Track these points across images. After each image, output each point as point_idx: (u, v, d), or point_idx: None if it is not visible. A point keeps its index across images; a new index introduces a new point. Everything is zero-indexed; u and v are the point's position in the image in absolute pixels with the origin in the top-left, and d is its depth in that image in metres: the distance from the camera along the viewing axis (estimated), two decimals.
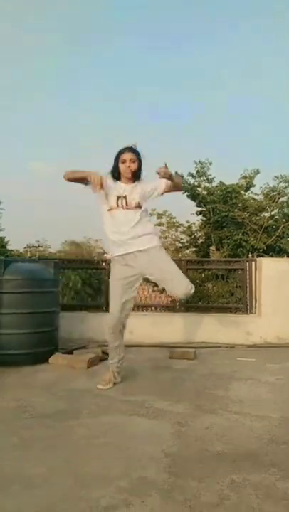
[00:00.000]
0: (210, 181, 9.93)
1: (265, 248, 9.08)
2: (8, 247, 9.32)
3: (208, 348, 4.24)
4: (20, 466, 1.75)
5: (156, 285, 4.68)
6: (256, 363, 3.63)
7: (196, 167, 9.96)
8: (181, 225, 10.94)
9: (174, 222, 11.19)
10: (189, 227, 10.72)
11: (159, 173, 2.69)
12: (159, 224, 10.64)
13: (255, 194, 9.96)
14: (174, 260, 3.08)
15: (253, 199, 9.87)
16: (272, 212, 9.72)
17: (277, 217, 9.69)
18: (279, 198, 9.55)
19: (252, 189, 10.00)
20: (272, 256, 8.76)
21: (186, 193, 9.66)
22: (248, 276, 4.97)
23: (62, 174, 2.84)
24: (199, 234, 10.53)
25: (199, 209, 9.88)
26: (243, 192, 9.77)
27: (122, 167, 2.81)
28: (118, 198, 2.80)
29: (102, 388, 2.83)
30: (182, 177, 3.24)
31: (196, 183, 9.98)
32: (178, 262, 4.00)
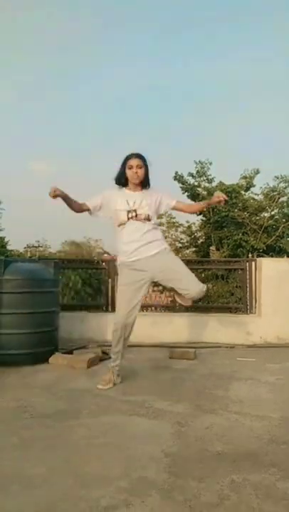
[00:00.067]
0: (210, 181, 9.94)
1: (265, 248, 9.08)
2: (8, 247, 9.34)
3: (208, 348, 4.24)
4: (20, 466, 1.75)
5: (156, 285, 4.69)
6: (256, 363, 3.63)
7: (196, 167, 9.98)
8: (181, 225, 10.95)
9: (174, 222, 11.20)
10: (189, 227, 10.72)
11: (214, 200, 2.86)
12: (159, 224, 10.64)
13: (255, 194, 9.97)
14: None
15: (253, 199, 9.88)
16: (272, 212, 9.73)
17: (277, 217, 9.70)
18: (279, 198, 9.55)
19: (252, 189, 10.01)
20: (272, 256, 8.77)
21: (186, 193, 9.67)
22: (248, 276, 4.97)
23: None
24: (199, 234, 10.54)
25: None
26: (243, 192, 9.77)
27: (128, 173, 2.82)
28: (128, 212, 2.81)
29: (102, 388, 2.83)
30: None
31: (196, 183, 9.98)
32: None
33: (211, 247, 9.62)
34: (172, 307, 5.11)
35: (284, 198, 9.63)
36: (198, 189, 9.87)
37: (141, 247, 2.82)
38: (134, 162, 2.81)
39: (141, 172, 2.81)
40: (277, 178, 9.56)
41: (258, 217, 9.53)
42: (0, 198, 9.46)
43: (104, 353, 3.83)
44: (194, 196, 9.69)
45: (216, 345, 4.37)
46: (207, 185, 9.93)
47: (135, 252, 2.82)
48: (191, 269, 3.22)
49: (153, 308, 5.18)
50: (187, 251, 10.86)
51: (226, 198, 2.89)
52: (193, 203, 2.71)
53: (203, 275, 5.46)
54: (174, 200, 2.99)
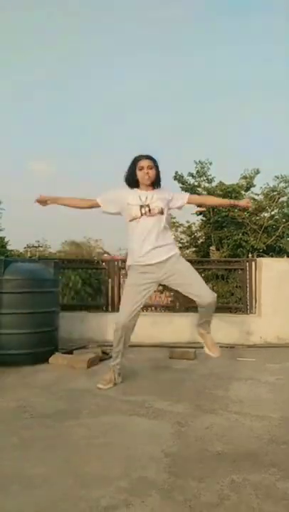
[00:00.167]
0: (210, 181, 9.93)
1: (265, 248, 9.08)
2: (8, 247, 9.32)
3: None
4: (20, 466, 1.75)
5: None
6: (256, 363, 3.63)
7: (196, 167, 9.97)
8: (181, 225, 10.94)
9: (174, 222, 11.19)
10: (189, 227, 10.72)
11: (239, 205, 3.00)
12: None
13: (256, 194, 9.97)
14: None
15: (253, 199, 9.88)
16: (272, 212, 9.72)
17: (277, 217, 9.70)
18: (279, 198, 9.55)
19: (252, 189, 10.01)
20: (272, 256, 8.76)
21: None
22: (248, 276, 4.97)
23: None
24: (199, 234, 10.53)
25: (199, 208, 9.88)
26: (243, 192, 9.77)
27: (139, 174, 2.83)
28: (141, 207, 2.81)
29: (102, 388, 2.83)
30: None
31: (196, 183, 9.98)
32: None
33: (211, 247, 9.61)
34: (172, 307, 5.11)
35: (284, 198, 9.62)
36: (198, 189, 9.86)
37: (153, 249, 2.80)
38: (144, 163, 2.82)
39: (152, 173, 2.82)
40: (278, 178, 9.55)
41: (258, 217, 9.52)
42: (0, 198, 9.44)
43: (104, 353, 3.83)
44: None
45: None
46: (207, 185, 9.91)
47: (148, 255, 2.81)
48: None
49: (153, 308, 5.18)
50: (187, 251, 10.85)
51: (251, 205, 2.98)
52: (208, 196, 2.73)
53: (203, 275, 5.46)
54: (185, 195, 3.01)
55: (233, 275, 5.27)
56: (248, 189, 9.96)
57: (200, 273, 5.39)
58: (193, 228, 10.65)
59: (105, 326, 4.56)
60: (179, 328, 4.63)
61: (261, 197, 9.84)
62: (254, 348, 4.38)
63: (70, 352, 3.82)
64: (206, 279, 5.52)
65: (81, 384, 2.97)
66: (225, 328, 4.60)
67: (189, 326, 4.64)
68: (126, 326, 2.85)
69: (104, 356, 3.75)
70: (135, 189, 2.89)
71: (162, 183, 2.97)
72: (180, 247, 10.91)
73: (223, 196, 9.26)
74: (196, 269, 3.04)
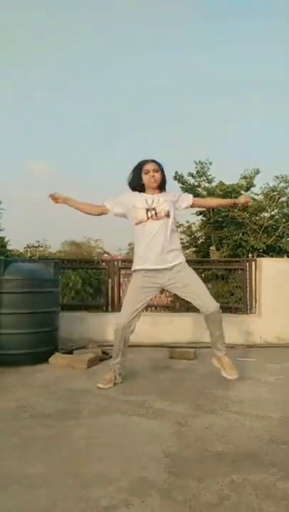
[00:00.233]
0: (210, 181, 9.94)
1: (265, 248, 9.08)
2: (8, 247, 9.33)
3: (208, 348, 4.23)
4: (20, 466, 1.75)
5: None
6: (256, 363, 3.63)
7: (196, 167, 9.98)
8: (181, 225, 10.94)
9: None
10: (189, 227, 10.72)
11: (239, 202, 3.06)
12: None
13: (256, 194, 9.97)
14: None
15: (253, 199, 9.88)
16: (272, 212, 9.72)
17: (277, 217, 9.70)
18: (279, 198, 9.55)
19: (252, 189, 10.01)
20: (272, 256, 8.76)
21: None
22: (248, 276, 4.97)
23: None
24: (199, 234, 10.53)
25: (199, 209, 9.89)
26: (243, 192, 9.77)
27: (145, 178, 2.84)
28: (147, 210, 2.82)
29: (102, 387, 2.83)
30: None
31: (196, 183, 9.98)
32: None
33: (211, 247, 9.62)
34: (172, 307, 5.10)
35: (284, 198, 9.62)
36: (198, 189, 9.87)
37: (159, 254, 2.81)
38: (150, 167, 2.84)
39: (158, 176, 2.84)
40: (278, 178, 9.56)
41: (258, 217, 9.52)
42: (0, 198, 9.45)
43: (104, 353, 3.83)
44: (194, 196, 9.69)
45: None
46: (207, 185, 9.93)
47: (154, 260, 2.81)
48: None
49: (153, 308, 5.18)
50: (187, 251, 10.86)
51: (250, 200, 3.02)
52: (209, 198, 2.76)
53: (203, 275, 5.47)
54: (190, 197, 3.03)
55: (233, 275, 5.27)
56: (248, 189, 9.96)
57: (200, 273, 5.41)
58: (193, 228, 10.66)
59: (105, 326, 4.56)
60: (179, 328, 4.63)
61: (261, 197, 9.85)
62: (254, 348, 4.38)
63: (70, 352, 3.82)
64: (206, 279, 5.53)
65: (81, 384, 2.97)
66: (225, 328, 4.60)
67: (189, 326, 4.65)
68: (126, 327, 2.86)
69: (104, 356, 3.75)
70: (142, 194, 2.90)
71: (166, 186, 2.99)
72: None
73: (224, 196, 9.27)
74: (196, 269, 3.05)
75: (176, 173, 10.17)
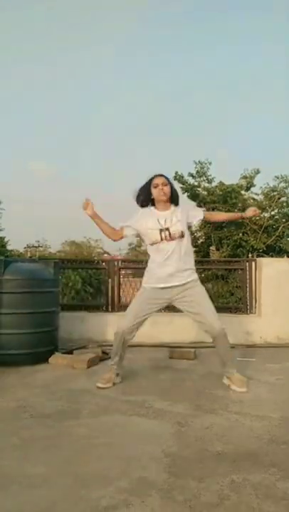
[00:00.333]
0: (210, 181, 9.93)
1: (265, 248, 9.07)
2: (8, 247, 9.31)
3: (208, 348, 4.23)
4: (20, 466, 1.75)
5: None
6: (256, 363, 3.63)
7: (196, 167, 9.96)
8: None
9: None
10: (189, 227, 10.70)
11: (247, 216, 3.09)
12: None
13: (256, 194, 9.96)
14: None
15: (253, 199, 9.87)
16: (272, 213, 9.72)
17: (277, 217, 9.69)
18: (279, 198, 9.55)
19: (252, 189, 10.00)
20: (272, 256, 8.75)
21: (186, 194, 9.66)
22: (248, 276, 4.97)
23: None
24: (199, 234, 10.52)
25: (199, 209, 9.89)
26: (243, 192, 9.77)
27: (155, 192, 2.85)
28: (161, 231, 2.82)
29: (101, 387, 2.83)
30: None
31: (196, 183, 9.97)
32: None
33: (211, 247, 9.60)
34: (172, 307, 5.10)
35: (284, 198, 9.61)
36: (198, 189, 9.86)
37: (172, 274, 2.82)
38: (159, 180, 2.84)
39: (167, 189, 2.84)
40: (278, 178, 9.54)
41: (257, 218, 9.51)
42: (0, 198, 9.44)
43: (104, 353, 3.83)
44: (194, 196, 9.68)
45: None
46: (207, 185, 9.91)
47: (166, 279, 2.83)
48: None
49: None
50: None
51: (259, 212, 3.03)
52: (219, 212, 2.73)
53: (203, 275, 5.47)
54: (201, 211, 3.02)
55: (233, 275, 5.27)
56: (248, 189, 9.95)
57: (200, 273, 5.41)
58: (193, 228, 10.64)
59: (105, 326, 4.56)
60: (179, 328, 4.63)
61: (261, 197, 9.84)
62: (254, 348, 4.38)
63: (70, 352, 3.82)
64: (206, 279, 5.52)
65: (81, 384, 2.97)
66: (225, 328, 4.60)
67: (189, 326, 4.64)
68: (127, 332, 2.88)
69: (104, 356, 3.75)
70: (152, 209, 2.91)
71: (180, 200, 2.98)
72: None
73: (224, 196, 9.26)
74: (196, 269, 3.04)
75: (176, 173, 10.15)
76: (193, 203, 9.77)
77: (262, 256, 8.08)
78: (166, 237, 2.82)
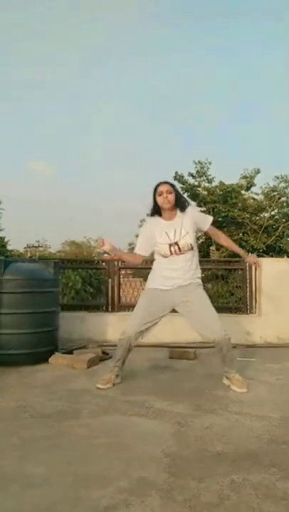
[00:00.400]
0: (210, 181, 9.93)
1: (265, 248, 9.07)
2: (8, 247, 9.32)
3: (208, 348, 4.23)
4: (20, 466, 1.75)
5: None
6: (256, 363, 3.63)
7: (196, 167, 9.97)
8: None
9: None
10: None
11: (250, 259, 3.08)
12: None
13: (256, 194, 9.97)
14: None
15: (253, 199, 9.88)
16: (273, 213, 9.72)
17: (277, 217, 9.69)
18: (279, 198, 9.54)
19: (252, 189, 10.00)
20: (272, 256, 8.76)
21: (187, 194, 9.66)
22: (248, 276, 4.97)
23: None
24: (199, 234, 10.53)
25: (199, 209, 9.88)
26: (243, 192, 9.77)
27: (159, 200, 2.85)
28: (170, 245, 2.83)
29: (101, 388, 2.83)
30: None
31: (196, 183, 9.98)
32: None
33: (211, 247, 9.61)
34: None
35: (284, 198, 9.62)
36: (198, 189, 9.87)
37: (177, 276, 2.84)
38: (163, 188, 2.84)
39: (171, 197, 2.83)
40: (278, 178, 9.56)
41: (257, 217, 9.52)
42: (0, 198, 9.44)
43: (104, 353, 3.83)
44: (194, 196, 9.69)
45: None
46: (207, 185, 9.92)
47: (171, 283, 2.85)
48: None
49: None
50: None
51: (260, 265, 3.10)
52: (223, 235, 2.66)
53: (203, 275, 5.47)
54: (207, 224, 2.96)
55: (233, 275, 5.27)
56: (248, 189, 9.96)
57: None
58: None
59: (105, 326, 4.56)
60: (179, 328, 4.62)
61: (261, 197, 9.84)
62: (254, 348, 4.38)
63: (70, 352, 3.82)
64: (206, 279, 5.52)
65: (81, 384, 2.97)
66: (225, 329, 4.60)
67: (189, 326, 4.64)
68: (132, 338, 2.87)
69: (105, 356, 3.75)
70: (159, 220, 2.90)
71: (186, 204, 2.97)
72: None
73: (224, 196, 9.27)
74: None
75: (176, 173, 10.17)
76: (194, 203, 9.81)
77: (262, 256, 8.09)
78: (175, 251, 2.83)
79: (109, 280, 5.00)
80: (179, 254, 2.84)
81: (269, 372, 3.32)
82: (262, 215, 9.63)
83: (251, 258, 3.17)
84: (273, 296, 4.70)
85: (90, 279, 6.18)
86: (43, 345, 3.58)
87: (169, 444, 1.96)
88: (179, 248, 2.83)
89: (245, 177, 9.97)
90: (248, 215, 9.28)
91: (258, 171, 9.94)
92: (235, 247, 3.13)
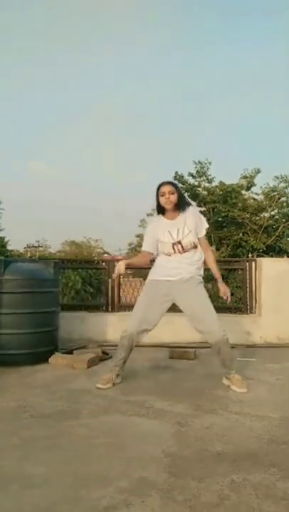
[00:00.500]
0: (210, 181, 9.93)
1: (265, 248, 9.08)
2: (8, 247, 9.31)
3: (208, 348, 4.23)
4: (20, 466, 1.75)
5: None
6: (256, 363, 3.63)
7: (196, 167, 9.97)
8: None
9: None
10: None
11: (221, 290, 3.02)
12: None
13: (256, 194, 9.97)
14: None
15: (253, 199, 9.88)
16: (272, 213, 9.72)
17: (277, 217, 9.69)
18: (279, 198, 9.54)
19: (252, 189, 10.00)
20: (272, 256, 8.76)
21: (187, 194, 9.66)
22: (248, 276, 4.97)
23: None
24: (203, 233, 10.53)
25: (199, 209, 9.90)
26: (244, 191, 9.77)
27: (162, 200, 2.87)
28: (173, 245, 2.85)
29: (101, 388, 2.83)
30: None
31: (196, 183, 9.98)
32: None
33: (211, 247, 9.63)
34: (172, 307, 5.10)
35: (284, 198, 9.62)
36: (198, 189, 9.87)
37: (180, 274, 2.85)
38: (165, 189, 2.86)
39: (173, 197, 2.85)
40: (277, 178, 9.56)
41: (257, 217, 9.52)
42: (0, 198, 9.44)
43: (104, 353, 3.83)
44: (194, 196, 9.69)
45: None
46: (207, 185, 9.92)
47: (173, 274, 2.86)
48: None
49: None
50: None
51: (229, 300, 3.03)
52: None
53: (203, 275, 5.46)
54: (203, 231, 2.97)
55: (233, 275, 5.27)
56: (248, 189, 9.96)
57: None
58: None
59: (105, 326, 4.56)
60: (179, 328, 4.63)
61: (261, 197, 9.84)
62: (254, 348, 4.38)
63: (70, 352, 3.82)
64: (206, 279, 5.52)
65: (81, 384, 2.97)
66: (225, 328, 4.60)
67: (189, 326, 4.64)
68: (133, 336, 2.87)
69: (105, 356, 3.75)
70: (162, 218, 2.92)
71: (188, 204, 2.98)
72: None
73: (224, 196, 9.27)
74: None
75: (176, 173, 10.17)
76: (194, 203, 9.82)
77: (262, 256, 8.09)
78: (178, 250, 2.85)
79: (109, 280, 5.00)
80: (182, 252, 2.86)
81: (269, 372, 3.33)
82: (262, 215, 9.63)
83: (222, 288, 3.05)
84: (273, 296, 4.70)
85: (90, 279, 6.18)
86: (43, 345, 3.58)
87: (169, 444, 1.96)
88: (182, 247, 2.85)
89: (245, 177, 9.97)
90: (248, 215, 9.28)
91: (258, 171, 9.94)
92: (215, 269, 3.07)
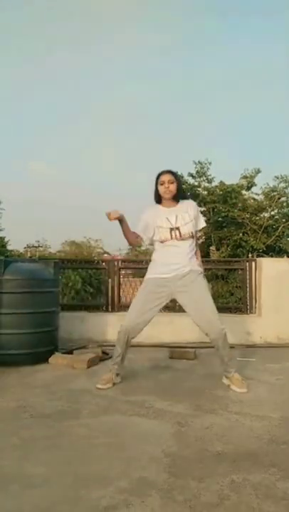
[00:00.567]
0: (210, 181, 9.93)
1: (264, 248, 9.07)
2: (8, 247, 9.31)
3: (208, 348, 4.23)
4: (20, 466, 1.75)
5: None
6: (256, 363, 3.63)
7: (195, 167, 9.96)
8: None
9: None
10: None
11: None
12: None
13: (256, 194, 9.96)
14: None
15: (253, 199, 9.87)
16: (272, 213, 9.71)
17: (277, 217, 9.69)
18: (279, 198, 9.54)
19: (252, 189, 10.00)
20: (272, 256, 8.76)
21: (186, 193, 9.66)
22: (248, 276, 4.97)
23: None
24: (199, 234, 10.52)
25: (199, 209, 9.88)
26: (244, 191, 9.76)
27: (161, 189, 2.85)
28: (171, 230, 2.82)
29: (101, 388, 2.83)
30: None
31: (196, 183, 9.97)
32: None
33: (211, 247, 9.61)
34: (172, 307, 5.10)
35: (284, 198, 9.62)
36: (198, 189, 9.86)
37: (176, 270, 2.82)
38: (165, 178, 2.84)
39: (173, 187, 2.84)
40: (277, 178, 9.55)
41: (257, 218, 9.51)
42: (0, 198, 9.43)
43: (104, 353, 3.83)
44: (194, 196, 9.68)
45: None
46: (207, 185, 9.92)
47: (169, 273, 2.83)
48: None
49: None
50: None
51: None
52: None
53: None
54: (199, 227, 2.97)
55: (233, 275, 5.27)
56: (248, 189, 9.95)
57: None
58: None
59: (105, 326, 4.56)
60: (179, 328, 4.63)
61: (261, 197, 9.84)
62: (254, 348, 4.38)
63: (70, 352, 3.82)
64: (206, 279, 5.53)
65: (81, 384, 2.97)
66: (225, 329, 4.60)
67: (189, 326, 4.63)
68: (130, 331, 2.85)
69: (105, 356, 3.75)
70: (159, 206, 2.90)
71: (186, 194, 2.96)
72: None
73: (224, 196, 9.27)
74: None
75: (176, 173, 10.16)
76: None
77: (262, 256, 8.09)
78: (176, 236, 2.82)
79: (109, 280, 5.00)
80: (179, 239, 2.83)
81: (269, 372, 3.33)
82: (262, 215, 9.62)
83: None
84: (273, 296, 4.70)
85: (90, 279, 6.18)
86: (43, 345, 3.58)
87: (169, 444, 1.96)
88: (180, 233, 2.82)
89: (245, 177, 9.96)
90: (248, 215, 9.27)
91: (258, 171, 9.93)
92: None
